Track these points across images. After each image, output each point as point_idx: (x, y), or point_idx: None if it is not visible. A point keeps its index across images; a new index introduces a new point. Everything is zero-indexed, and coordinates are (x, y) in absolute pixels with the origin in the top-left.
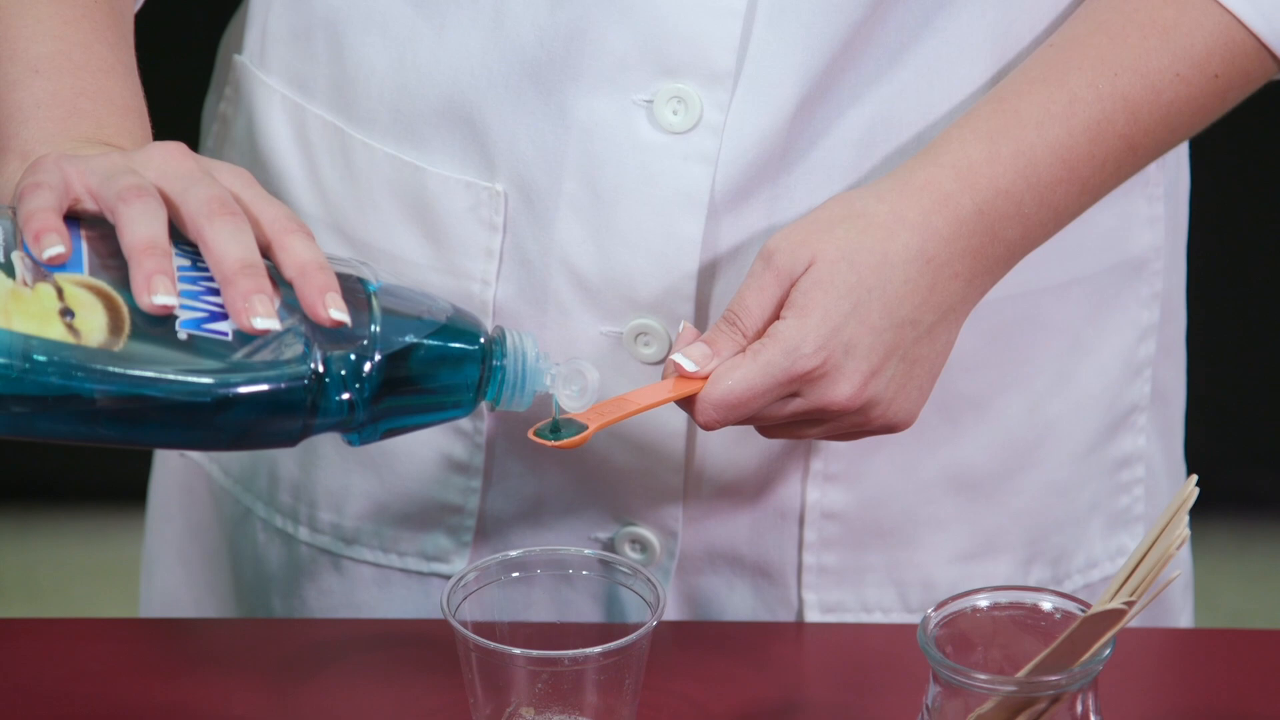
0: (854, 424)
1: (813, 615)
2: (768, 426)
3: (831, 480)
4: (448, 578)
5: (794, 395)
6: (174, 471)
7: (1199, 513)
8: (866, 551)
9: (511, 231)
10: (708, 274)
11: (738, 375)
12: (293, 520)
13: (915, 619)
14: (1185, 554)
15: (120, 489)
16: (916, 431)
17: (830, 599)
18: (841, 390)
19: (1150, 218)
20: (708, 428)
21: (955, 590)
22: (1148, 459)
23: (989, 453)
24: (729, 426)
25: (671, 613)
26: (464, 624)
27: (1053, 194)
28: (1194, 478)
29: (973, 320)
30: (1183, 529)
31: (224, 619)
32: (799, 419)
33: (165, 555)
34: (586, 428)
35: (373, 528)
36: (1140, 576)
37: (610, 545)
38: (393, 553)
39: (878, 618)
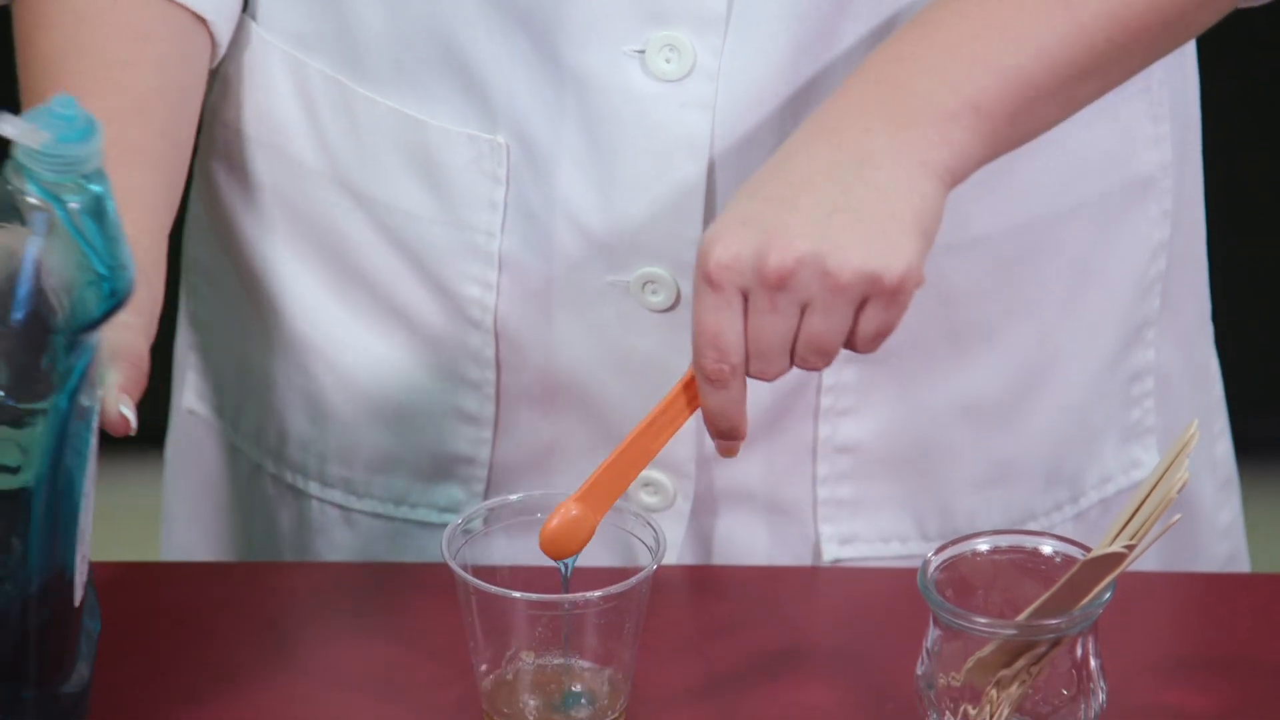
0: (839, 292)
1: (830, 548)
2: (781, 354)
3: (843, 415)
4: None
5: (745, 299)
6: (186, 429)
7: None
8: (881, 483)
9: (514, 183)
10: (712, 219)
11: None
12: (303, 475)
13: (932, 548)
14: (1234, 524)
15: (146, 433)
16: (925, 360)
17: (846, 531)
18: (752, 246)
19: (1155, 136)
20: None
21: (973, 517)
22: (1159, 370)
23: (1000, 380)
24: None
25: (687, 555)
26: (464, 568)
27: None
28: (1195, 422)
29: (979, 250)
30: (1183, 472)
31: (223, 562)
32: (780, 319)
33: (181, 512)
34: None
35: (383, 480)
36: (1141, 520)
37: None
38: (404, 505)
39: (895, 548)
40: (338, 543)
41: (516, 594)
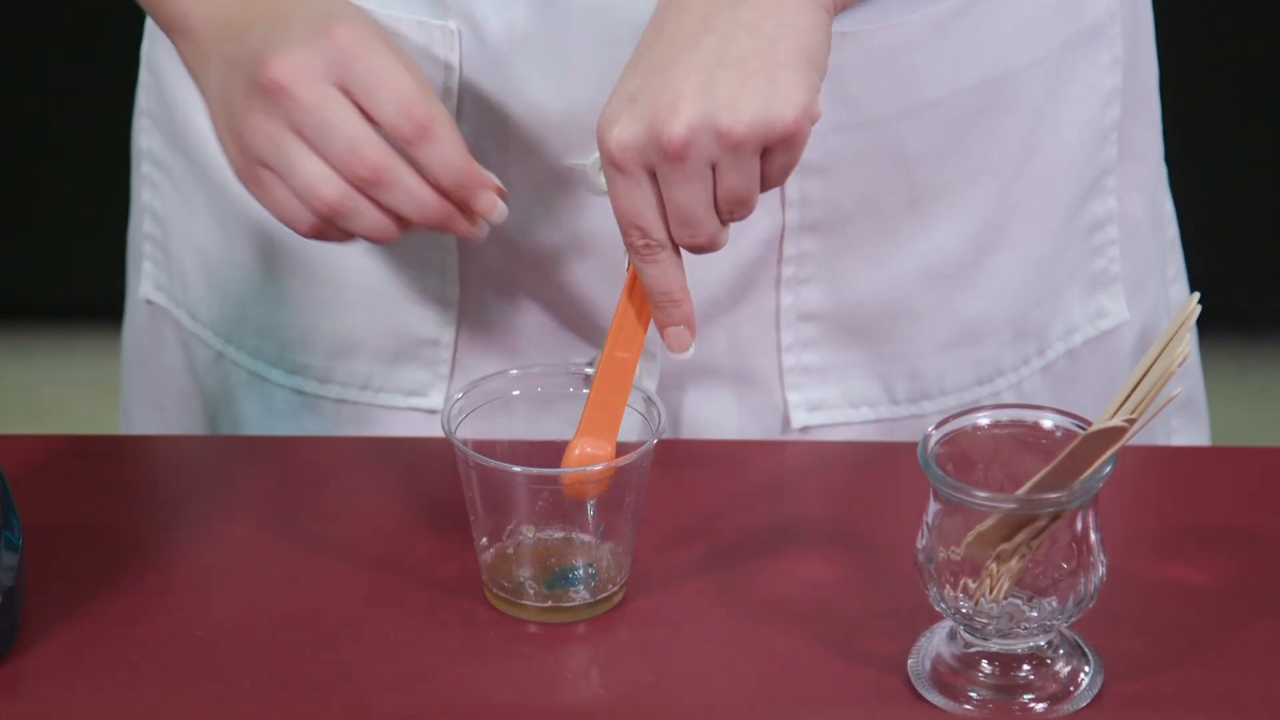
0: (738, 148)
1: (799, 416)
2: (705, 217)
3: (805, 283)
4: (426, 411)
5: (652, 173)
6: (141, 318)
7: (1204, 331)
8: (847, 348)
9: (467, 70)
10: None
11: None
12: (264, 362)
13: (902, 412)
14: (1195, 371)
15: (120, 305)
16: (885, 225)
17: (814, 398)
18: (650, 116)
19: None
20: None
21: (941, 378)
22: (1121, 218)
23: (961, 240)
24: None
25: (619, 436)
26: (464, 443)
27: None
28: (1196, 295)
29: (934, 113)
30: (1184, 346)
31: (228, 436)
32: (691, 185)
33: (141, 401)
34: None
35: (345, 366)
36: (1141, 394)
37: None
38: (368, 389)
39: (865, 413)
40: (303, 428)
41: (517, 468)
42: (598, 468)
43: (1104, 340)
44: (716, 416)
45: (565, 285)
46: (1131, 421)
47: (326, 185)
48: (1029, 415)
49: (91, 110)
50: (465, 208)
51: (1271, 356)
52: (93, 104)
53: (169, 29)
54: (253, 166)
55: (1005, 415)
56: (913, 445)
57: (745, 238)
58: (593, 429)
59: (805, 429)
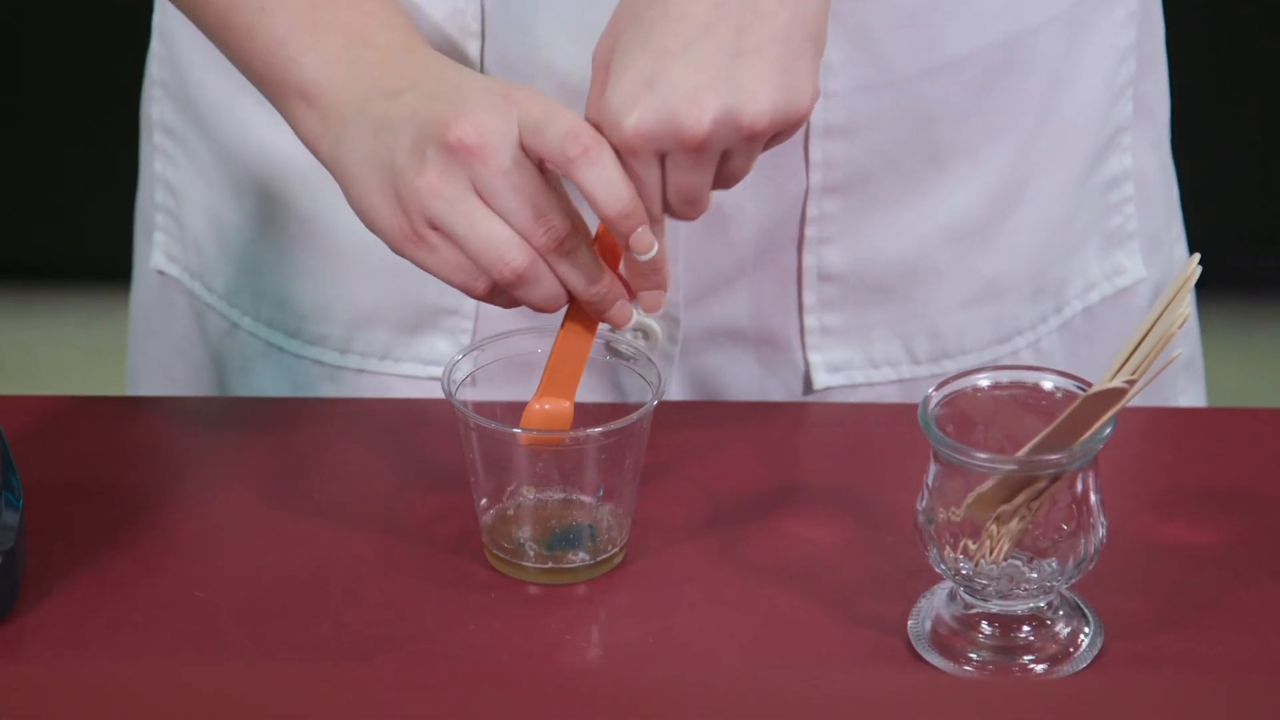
0: (756, 138)
1: (820, 377)
2: (704, 197)
3: (826, 243)
4: None
5: (662, 158)
6: (152, 289)
7: (1203, 292)
8: (868, 308)
9: (491, 37)
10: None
11: (596, 182)
12: (282, 332)
13: (923, 372)
14: (1193, 333)
15: (120, 268)
16: (906, 185)
17: (836, 359)
18: (668, 108)
19: None
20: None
21: (961, 337)
22: (1136, 175)
23: (981, 198)
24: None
25: (678, 394)
26: (464, 404)
27: None
28: (1196, 256)
29: (955, 71)
30: (1185, 308)
31: (227, 397)
32: (700, 173)
33: (149, 371)
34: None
35: (365, 335)
36: (1142, 355)
37: (611, 333)
38: (388, 359)
39: (886, 373)
40: (322, 397)
41: (517, 429)
42: (597, 430)
43: (1121, 298)
44: (738, 378)
45: None
46: (1132, 383)
47: (514, 251)
48: (1029, 377)
49: (95, 73)
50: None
51: (1268, 317)
52: (97, 66)
53: (283, 95)
54: (420, 227)
55: (1005, 376)
56: (913, 407)
57: (769, 201)
58: (552, 388)
59: (827, 390)
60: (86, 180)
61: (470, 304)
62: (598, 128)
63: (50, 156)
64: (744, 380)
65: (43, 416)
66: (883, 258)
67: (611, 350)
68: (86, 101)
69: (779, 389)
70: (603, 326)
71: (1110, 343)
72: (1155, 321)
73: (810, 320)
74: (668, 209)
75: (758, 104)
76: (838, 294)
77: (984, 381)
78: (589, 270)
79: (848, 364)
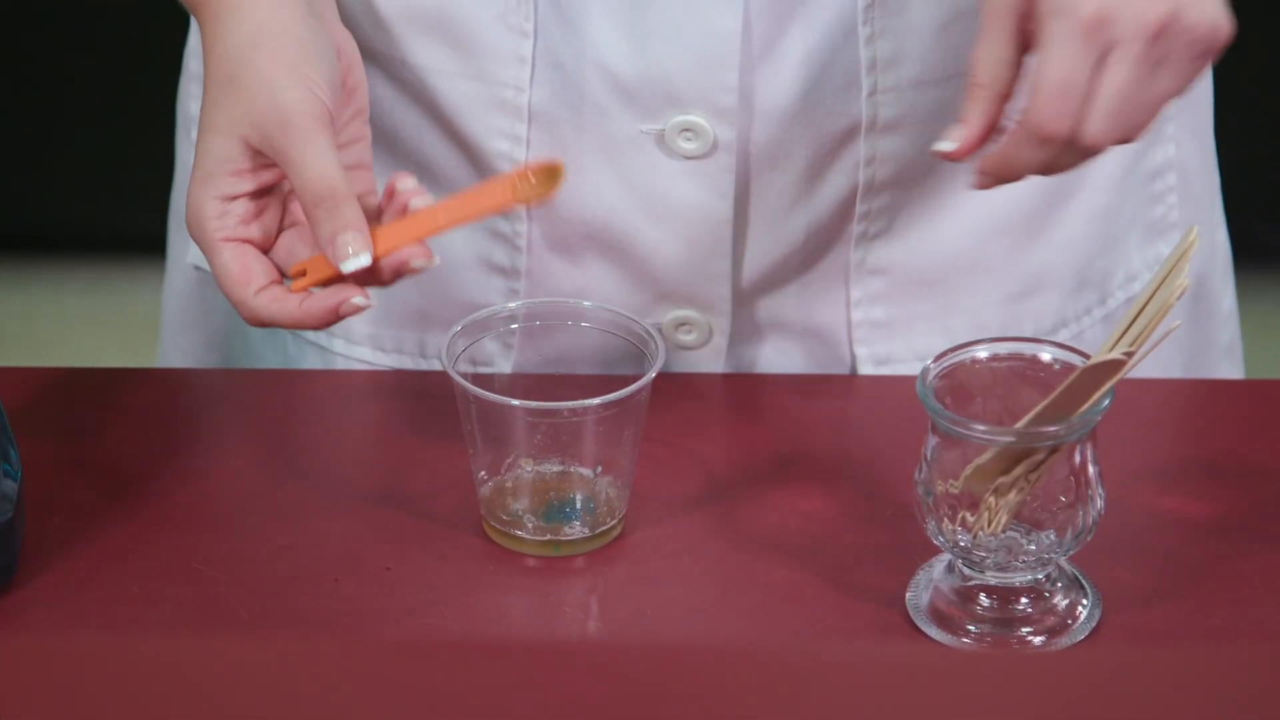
0: (1192, 46)
1: (866, 369)
2: (1134, 107)
3: (875, 238)
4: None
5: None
6: (189, 284)
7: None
8: (914, 302)
9: (542, 36)
10: (748, 65)
11: (1046, 66)
12: (327, 333)
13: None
14: (1233, 317)
15: (122, 240)
16: (953, 180)
17: (882, 352)
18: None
19: None
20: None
21: (1005, 330)
22: (1178, 165)
23: (1029, 192)
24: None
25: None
26: (463, 376)
27: None
28: (1195, 228)
29: None
30: (1183, 279)
31: (224, 369)
32: (1140, 70)
33: (182, 365)
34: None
35: (413, 336)
36: (1140, 327)
37: (658, 329)
38: (434, 360)
39: None
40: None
41: (515, 402)
42: (595, 402)
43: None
44: (784, 370)
45: (634, 251)
46: (1130, 354)
47: None
48: (1027, 348)
49: (96, 46)
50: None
51: (1264, 288)
52: (100, 40)
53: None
54: None
55: (1003, 348)
56: (912, 379)
57: (822, 197)
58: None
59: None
60: (87, 152)
61: (517, 304)
62: (1044, 17)
63: (52, 129)
64: (790, 372)
65: (41, 388)
66: (930, 252)
67: (610, 320)
68: (88, 74)
69: None
70: (594, 305)
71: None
72: (1154, 293)
73: (857, 314)
74: (1099, 126)
75: (1201, 8)
76: (885, 288)
77: (982, 353)
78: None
79: (893, 357)
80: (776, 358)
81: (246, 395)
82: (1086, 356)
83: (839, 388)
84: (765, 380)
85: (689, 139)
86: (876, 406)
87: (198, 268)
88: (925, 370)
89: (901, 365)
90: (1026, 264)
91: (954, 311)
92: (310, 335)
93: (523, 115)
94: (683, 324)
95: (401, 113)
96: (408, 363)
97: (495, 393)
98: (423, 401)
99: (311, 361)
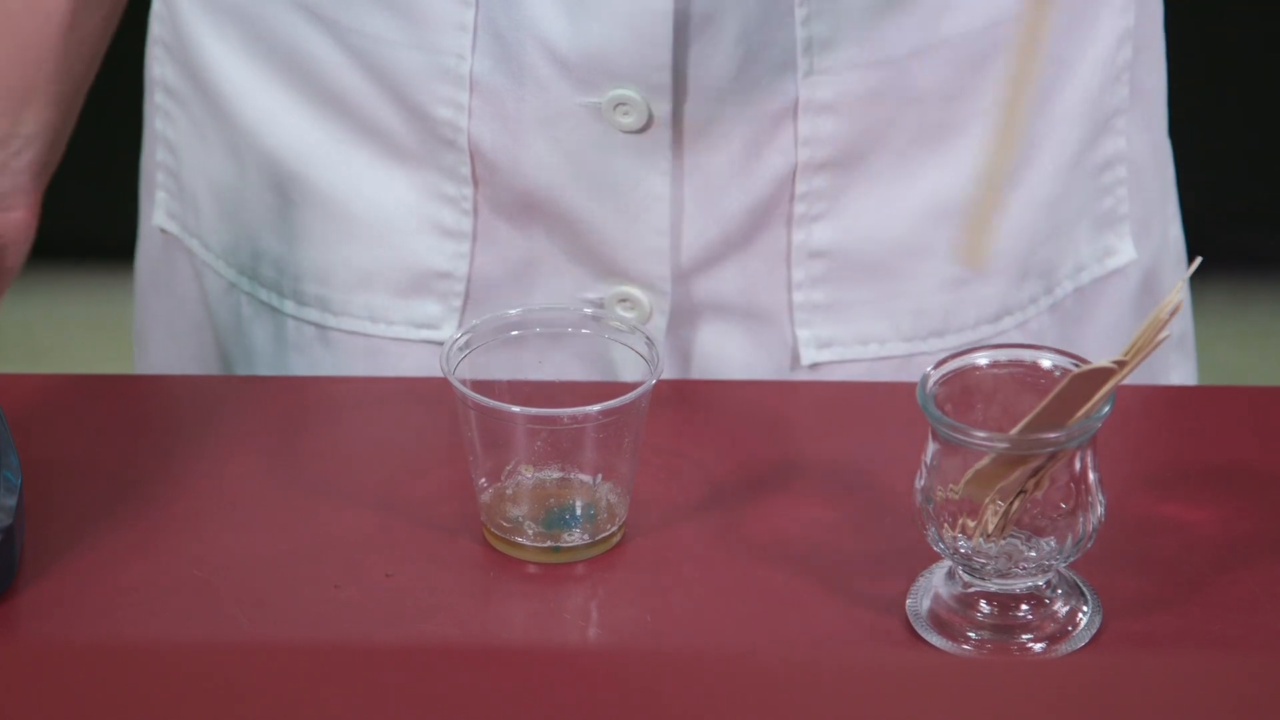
0: None
1: (808, 353)
2: None
3: (816, 220)
4: (438, 344)
5: None
6: (155, 246)
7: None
8: (856, 286)
9: (484, 6)
10: (683, 42)
11: None
12: (277, 294)
13: (910, 349)
14: (1186, 310)
15: (122, 246)
16: (897, 163)
17: (824, 335)
18: None
19: None
20: None
21: (948, 316)
22: (1129, 158)
23: (972, 180)
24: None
25: (667, 368)
26: (463, 383)
27: None
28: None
29: (947, 51)
30: (1175, 295)
31: (223, 376)
32: None
33: (154, 329)
34: None
35: (361, 298)
36: (1133, 336)
37: (600, 306)
38: (381, 322)
39: (873, 350)
40: (315, 361)
41: (516, 408)
42: (595, 409)
43: (1111, 280)
44: (726, 353)
45: (577, 221)
46: (1121, 363)
47: None
48: (1028, 355)
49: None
50: None
51: (1265, 296)
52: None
53: None
54: None
55: (1004, 355)
56: (912, 385)
57: (759, 176)
58: None
59: (815, 366)
60: (88, 158)
61: (463, 267)
62: None
63: None
64: (731, 355)
65: (41, 394)
66: (871, 235)
67: (609, 327)
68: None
69: (766, 364)
70: (594, 311)
71: (1100, 324)
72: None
73: (799, 296)
74: None
75: None
76: (826, 271)
77: (982, 360)
78: None
79: (835, 340)
80: (717, 340)
81: (247, 401)
82: (1085, 363)
83: (840, 394)
84: (766, 386)
85: (625, 113)
86: (877, 413)
87: (162, 230)
88: (925, 377)
89: (844, 349)
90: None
91: (896, 296)
92: (262, 295)
93: (464, 84)
94: (624, 300)
95: (347, 79)
96: (354, 325)
97: (495, 399)
98: (423, 408)
99: (267, 324)
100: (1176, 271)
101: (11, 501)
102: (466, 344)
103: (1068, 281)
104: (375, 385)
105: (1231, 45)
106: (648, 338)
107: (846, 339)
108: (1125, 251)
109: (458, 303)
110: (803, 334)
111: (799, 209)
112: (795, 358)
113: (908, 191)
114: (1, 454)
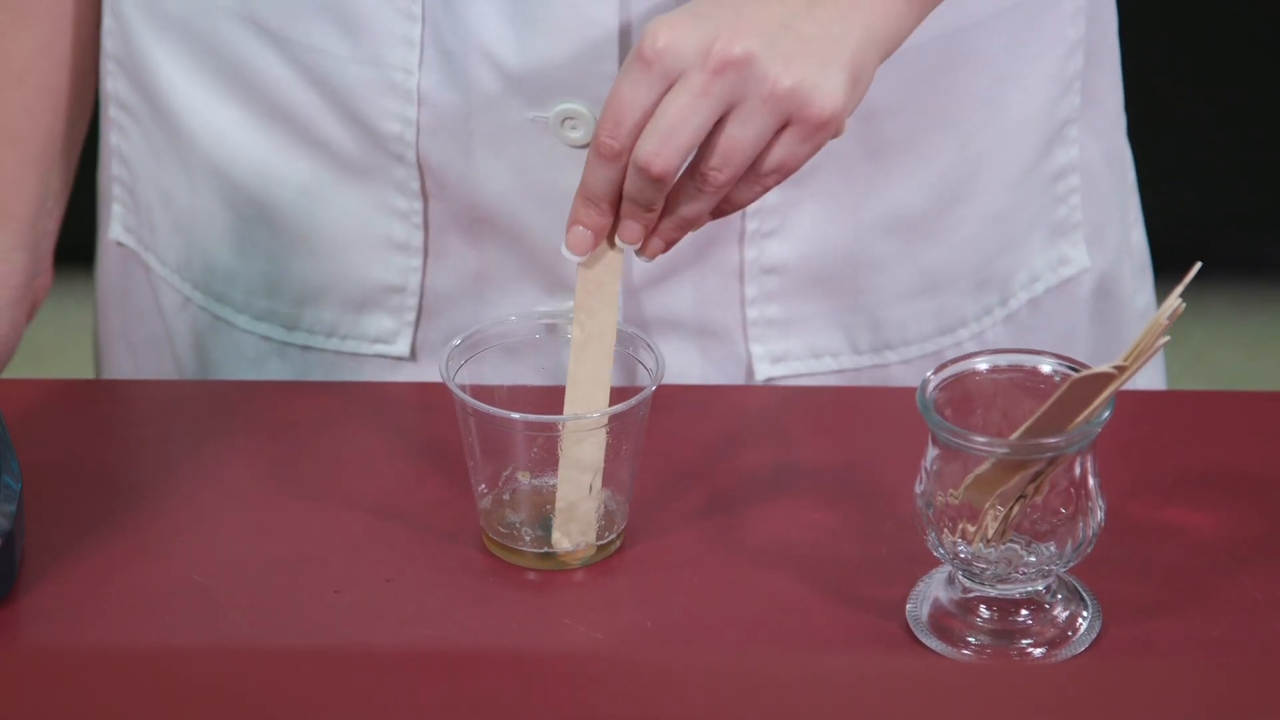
0: (770, 101)
1: (762, 368)
2: (685, 138)
3: (768, 237)
4: (393, 358)
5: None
6: (115, 260)
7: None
8: (810, 301)
9: (430, 21)
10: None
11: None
12: (231, 308)
13: (864, 362)
14: (1149, 309)
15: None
16: (847, 178)
17: (777, 350)
18: (692, 36)
19: None
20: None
21: (904, 328)
22: (1083, 167)
23: (924, 192)
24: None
25: (617, 380)
26: (462, 389)
27: None
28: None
29: (896, 64)
30: (1174, 299)
31: (224, 381)
32: (702, 103)
33: (113, 341)
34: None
35: (312, 312)
36: (1133, 342)
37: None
38: (334, 336)
39: (827, 363)
40: (272, 375)
41: (516, 415)
42: (594, 415)
43: (1065, 288)
44: (680, 368)
45: (527, 236)
46: (1120, 368)
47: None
48: (1027, 360)
49: None
50: None
51: (1264, 300)
52: None
53: None
54: None
55: (1004, 360)
56: (912, 390)
57: None
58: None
59: (768, 380)
60: (88, 162)
61: (415, 281)
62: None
63: None
64: (685, 370)
65: (42, 399)
66: (824, 250)
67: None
68: None
69: (719, 379)
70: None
71: (1054, 332)
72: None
73: (752, 312)
74: (650, 145)
75: (789, 66)
76: (779, 286)
77: (982, 365)
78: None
79: (789, 355)
80: (671, 355)
81: (248, 407)
82: (1085, 368)
83: (840, 399)
84: (766, 392)
85: (573, 127)
86: (877, 418)
87: (119, 243)
88: (925, 382)
89: (798, 363)
90: (923, 262)
91: (850, 310)
92: (217, 309)
93: (412, 99)
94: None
95: (296, 93)
96: (308, 339)
97: (494, 406)
98: (422, 414)
99: (222, 338)
100: (1139, 277)
101: (11, 507)
102: (466, 349)
103: (1023, 292)
104: (376, 390)
105: (1234, 48)
106: (649, 345)
107: (800, 353)
108: (1079, 259)
109: (411, 317)
110: (756, 349)
111: (751, 225)
112: (749, 372)
113: (860, 205)
114: (2, 459)
